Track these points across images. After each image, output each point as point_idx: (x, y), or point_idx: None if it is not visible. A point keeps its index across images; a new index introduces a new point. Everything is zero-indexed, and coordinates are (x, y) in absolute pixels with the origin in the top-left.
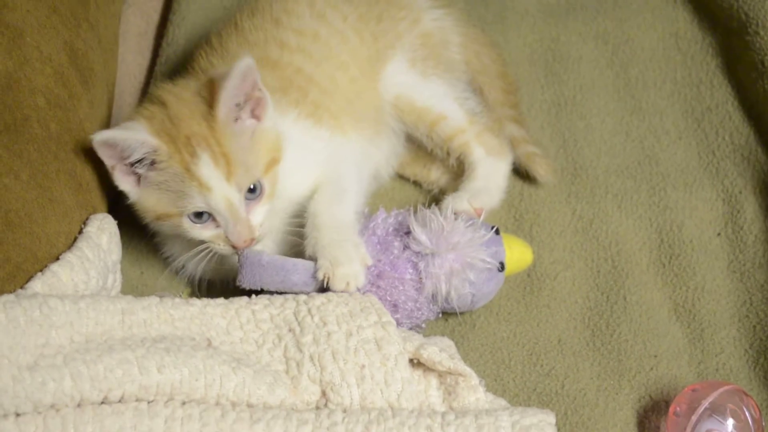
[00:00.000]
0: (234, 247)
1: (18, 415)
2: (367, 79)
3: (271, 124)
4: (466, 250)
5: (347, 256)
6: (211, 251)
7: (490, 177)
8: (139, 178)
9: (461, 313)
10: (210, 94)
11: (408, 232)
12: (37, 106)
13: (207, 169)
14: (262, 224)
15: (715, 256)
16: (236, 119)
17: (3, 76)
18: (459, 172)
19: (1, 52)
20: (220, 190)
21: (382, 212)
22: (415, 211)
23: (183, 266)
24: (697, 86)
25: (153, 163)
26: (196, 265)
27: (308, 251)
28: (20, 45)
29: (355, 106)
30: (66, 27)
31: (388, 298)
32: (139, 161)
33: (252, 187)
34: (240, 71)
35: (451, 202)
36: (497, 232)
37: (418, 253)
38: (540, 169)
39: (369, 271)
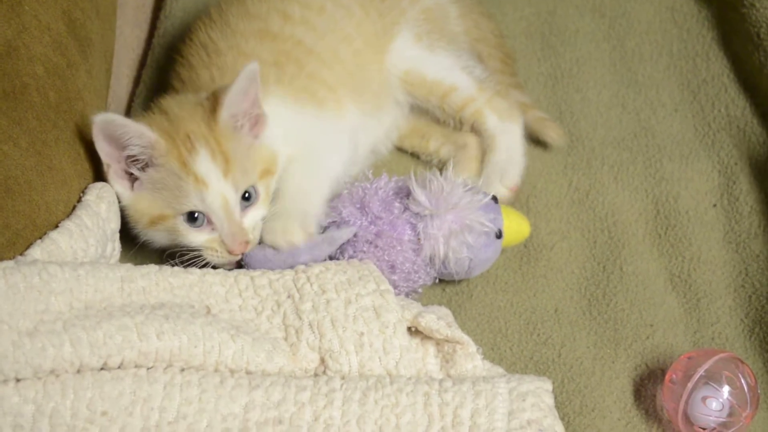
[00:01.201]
0: (230, 253)
1: (18, 380)
2: (372, 53)
3: (269, 142)
4: (465, 212)
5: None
6: (203, 260)
7: (510, 146)
8: (133, 182)
9: (459, 280)
10: (213, 100)
11: (409, 194)
12: (36, 75)
13: (204, 164)
14: (255, 228)
15: (710, 226)
16: (235, 129)
17: (2, 44)
18: (460, 133)
19: (0, 19)
20: (217, 187)
21: (385, 176)
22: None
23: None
24: (693, 59)
25: (148, 164)
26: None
27: None
28: (19, 13)
29: (357, 79)
30: None
31: (386, 258)
32: (135, 160)
33: (248, 195)
34: (246, 75)
35: (484, 188)
36: (495, 200)
37: (417, 214)
38: (552, 132)
39: (368, 230)
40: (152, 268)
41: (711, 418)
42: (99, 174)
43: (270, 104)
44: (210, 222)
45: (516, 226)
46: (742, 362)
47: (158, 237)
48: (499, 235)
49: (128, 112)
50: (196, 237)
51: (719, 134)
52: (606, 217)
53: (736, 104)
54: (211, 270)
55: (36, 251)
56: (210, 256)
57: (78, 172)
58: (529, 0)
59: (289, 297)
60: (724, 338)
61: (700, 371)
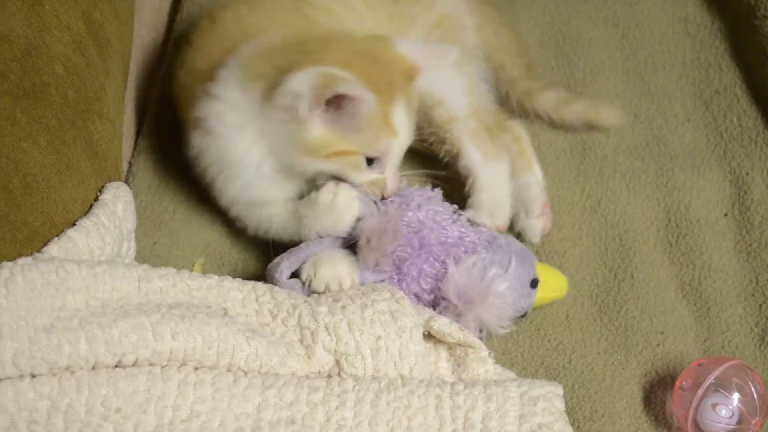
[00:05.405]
0: (383, 196)
1: (33, 376)
2: None
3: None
4: (492, 319)
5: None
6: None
7: (494, 184)
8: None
9: None
10: (412, 71)
11: (444, 262)
12: (56, 74)
13: (400, 115)
14: None
15: (721, 236)
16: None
17: (22, 42)
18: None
19: (21, 18)
20: (403, 137)
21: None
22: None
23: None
24: (706, 69)
25: (342, 107)
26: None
27: None
28: (40, 12)
29: None
30: None
31: None
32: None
33: None
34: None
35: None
36: (534, 285)
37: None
38: (605, 113)
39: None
40: (170, 270)
41: (720, 425)
42: (116, 173)
43: None
44: (380, 165)
45: (548, 299)
46: (752, 370)
47: (324, 167)
48: (522, 316)
49: (143, 115)
50: (366, 175)
51: (731, 144)
52: (618, 224)
53: (748, 115)
54: (228, 277)
55: (53, 249)
56: (367, 191)
57: (95, 170)
58: (543, 9)
59: (305, 301)
60: (734, 346)
61: (710, 378)
